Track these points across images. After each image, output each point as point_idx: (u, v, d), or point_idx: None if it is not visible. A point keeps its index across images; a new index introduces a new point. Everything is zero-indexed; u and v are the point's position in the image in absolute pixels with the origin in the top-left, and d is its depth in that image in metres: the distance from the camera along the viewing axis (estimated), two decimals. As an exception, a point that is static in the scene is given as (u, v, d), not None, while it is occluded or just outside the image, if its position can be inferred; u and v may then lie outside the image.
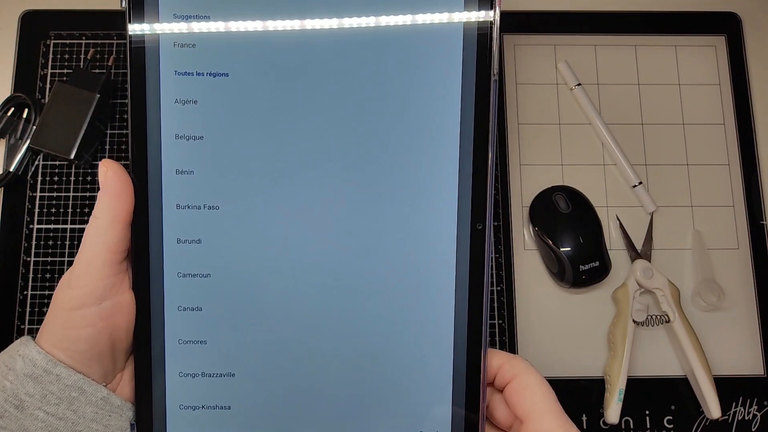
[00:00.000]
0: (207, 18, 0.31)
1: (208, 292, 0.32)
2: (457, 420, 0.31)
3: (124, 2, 0.31)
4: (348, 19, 0.31)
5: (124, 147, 0.48)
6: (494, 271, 0.47)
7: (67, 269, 0.46)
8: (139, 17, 0.31)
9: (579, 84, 0.49)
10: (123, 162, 0.47)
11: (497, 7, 0.30)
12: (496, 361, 0.30)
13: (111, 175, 0.29)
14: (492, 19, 0.30)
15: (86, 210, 0.47)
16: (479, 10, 0.31)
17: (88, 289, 0.28)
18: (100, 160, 0.29)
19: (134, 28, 0.31)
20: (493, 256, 0.46)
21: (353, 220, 0.32)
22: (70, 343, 0.28)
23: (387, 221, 0.32)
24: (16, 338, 0.45)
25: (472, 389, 0.31)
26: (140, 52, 0.31)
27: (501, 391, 0.31)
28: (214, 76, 0.31)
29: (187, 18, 0.31)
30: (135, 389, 0.31)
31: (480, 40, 0.31)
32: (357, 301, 0.32)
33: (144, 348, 0.31)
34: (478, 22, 0.31)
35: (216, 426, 0.32)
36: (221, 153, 0.31)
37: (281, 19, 0.31)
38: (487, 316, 0.31)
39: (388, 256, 0.32)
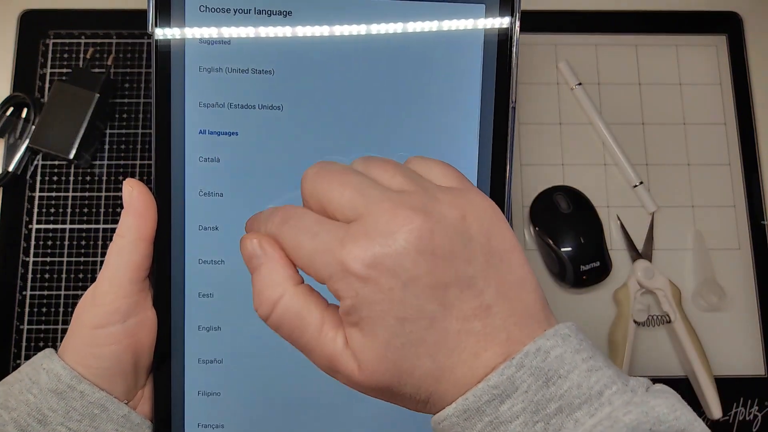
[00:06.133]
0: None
1: (228, 312, 0.32)
2: None
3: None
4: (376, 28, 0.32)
5: (123, 147, 0.48)
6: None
7: (67, 269, 0.46)
8: (166, 19, 0.30)
9: (579, 83, 0.49)
10: (125, 163, 0.47)
11: (517, 21, 0.31)
12: None
13: (136, 194, 0.29)
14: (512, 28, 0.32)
15: (85, 210, 0.47)
16: (499, 16, 0.32)
17: (114, 306, 0.29)
18: (124, 180, 0.29)
19: (159, 33, 0.30)
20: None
21: None
22: (94, 360, 0.29)
23: None
24: (16, 338, 0.45)
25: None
26: (165, 56, 0.30)
27: None
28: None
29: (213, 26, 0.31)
30: (154, 407, 0.31)
31: (500, 47, 0.33)
32: None
33: (164, 367, 0.31)
34: (499, 29, 0.32)
35: None
36: (245, 176, 0.31)
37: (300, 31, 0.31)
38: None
39: None
